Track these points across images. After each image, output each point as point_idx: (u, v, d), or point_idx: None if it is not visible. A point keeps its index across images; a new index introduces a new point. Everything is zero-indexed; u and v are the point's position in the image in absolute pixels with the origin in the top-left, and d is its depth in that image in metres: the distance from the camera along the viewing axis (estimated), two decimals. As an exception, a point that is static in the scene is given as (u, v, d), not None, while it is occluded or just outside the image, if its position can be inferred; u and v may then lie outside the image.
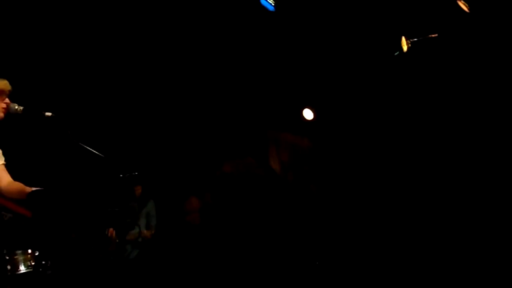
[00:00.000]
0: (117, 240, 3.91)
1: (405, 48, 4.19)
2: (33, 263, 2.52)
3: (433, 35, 4.13)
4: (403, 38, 4.18)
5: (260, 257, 1.83)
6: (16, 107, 2.46)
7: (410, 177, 4.67)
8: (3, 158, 2.56)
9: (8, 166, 2.58)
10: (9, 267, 2.41)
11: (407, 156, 4.74)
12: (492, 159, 4.19)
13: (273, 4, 3.78)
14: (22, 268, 2.50)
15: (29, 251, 2.51)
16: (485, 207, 4.12)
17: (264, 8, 3.82)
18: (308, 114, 5.31)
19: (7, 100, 2.45)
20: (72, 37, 3.89)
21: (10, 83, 2.52)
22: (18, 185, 2.46)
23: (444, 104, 4.47)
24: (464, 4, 3.96)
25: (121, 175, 2.35)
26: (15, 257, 2.47)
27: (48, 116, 2.44)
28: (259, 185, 1.92)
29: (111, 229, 3.79)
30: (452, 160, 4.43)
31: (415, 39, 4.15)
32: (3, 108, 2.43)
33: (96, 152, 2.46)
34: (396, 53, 4.22)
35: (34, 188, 2.32)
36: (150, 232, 4.27)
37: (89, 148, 2.46)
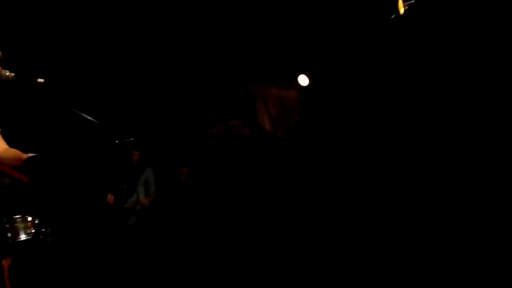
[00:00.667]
0: (114, 206, 3.95)
1: (401, 10, 4.11)
2: (33, 231, 2.54)
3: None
4: (400, 0, 4.09)
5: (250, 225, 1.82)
6: (8, 73, 2.41)
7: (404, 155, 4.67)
8: (-3, 126, 2.54)
9: (2, 133, 2.55)
10: (9, 234, 2.43)
11: (403, 130, 4.72)
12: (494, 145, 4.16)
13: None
14: (23, 236, 2.52)
15: (29, 218, 2.52)
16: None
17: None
18: (303, 80, 5.28)
19: None
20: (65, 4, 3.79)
21: (1, 49, 2.46)
22: (14, 152, 2.45)
23: (443, 72, 4.42)
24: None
25: (116, 141, 2.34)
26: (15, 224, 2.49)
27: (40, 83, 2.40)
28: (245, 146, 1.89)
29: (110, 195, 3.81)
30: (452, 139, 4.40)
31: (412, 1, 4.07)
32: None
33: (91, 118, 2.44)
34: (392, 16, 4.14)
35: (30, 154, 2.31)
36: (148, 200, 4.30)
37: (83, 115, 2.44)
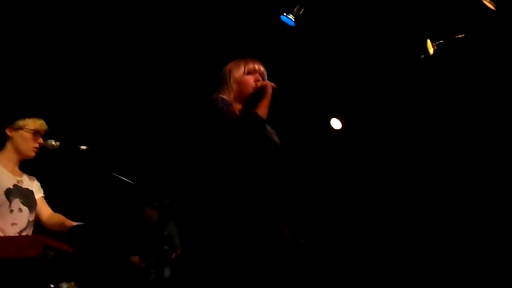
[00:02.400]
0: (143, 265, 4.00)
1: (431, 51, 4.11)
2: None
3: (459, 36, 4.03)
4: (429, 41, 4.10)
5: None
6: (54, 142, 2.58)
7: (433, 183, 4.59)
8: (42, 191, 2.68)
9: (47, 198, 2.69)
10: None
11: (437, 164, 4.65)
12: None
13: (293, 20, 3.80)
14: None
15: (73, 281, 2.60)
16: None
17: (284, 24, 3.84)
18: (336, 123, 5.30)
19: (40, 140, 2.57)
20: (102, 72, 4.03)
21: (45, 120, 2.64)
22: (58, 218, 2.57)
23: (474, 106, 4.36)
24: (490, 2, 3.85)
25: (156, 203, 2.41)
26: (60, 284, 2.57)
27: (83, 150, 2.54)
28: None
29: (134, 257, 3.87)
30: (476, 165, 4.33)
31: (441, 41, 4.06)
32: (36, 147, 2.55)
33: (130, 181, 2.53)
34: (422, 57, 4.14)
35: (74, 223, 2.41)
36: (176, 253, 4.31)
37: (122, 178, 2.54)
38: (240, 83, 1.96)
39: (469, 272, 3.83)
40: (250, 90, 1.95)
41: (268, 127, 1.98)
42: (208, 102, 1.86)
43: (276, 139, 1.98)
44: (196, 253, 1.75)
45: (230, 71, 2.00)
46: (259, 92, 1.91)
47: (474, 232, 4.05)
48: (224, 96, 1.94)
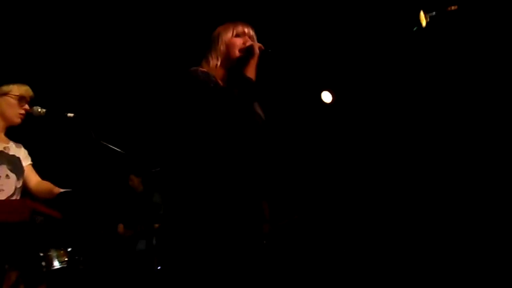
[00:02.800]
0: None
1: (424, 23, 4.08)
2: (66, 259, 2.62)
3: (452, 8, 4.00)
4: (422, 12, 4.06)
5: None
6: (39, 109, 2.53)
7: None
8: (29, 159, 2.65)
9: (34, 166, 2.66)
10: (44, 263, 2.51)
11: (429, 139, 4.66)
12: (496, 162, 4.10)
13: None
14: (56, 264, 2.60)
15: (62, 248, 2.60)
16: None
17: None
18: (327, 97, 5.28)
19: (26, 106, 2.52)
20: (86, 39, 3.93)
21: (32, 87, 2.59)
22: (46, 185, 2.55)
23: (466, 79, 4.35)
24: (483, -26, 3.80)
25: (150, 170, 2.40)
26: (49, 254, 2.57)
27: (70, 117, 2.50)
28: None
29: (120, 226, 3.88)
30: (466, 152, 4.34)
31: (434, 13, 4.02)
32: (22, 114, 2.51)
33: (119, 150, 2.51)
34: (415, 29, 4.11)
35: (62, 190, 2.39)
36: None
37: (111, 146, 2.51)
38: (228, 45, 1.94)
39: (468, 272, 3.87)
40: (237, 52, 1.93)
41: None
42: (188, 73, 1.85)
43: (260, 111, 1.97)
44: (175, 225, 1.76)
45: (219, 34, 1.98)
46: (246, 53, 1.90)
47: (471, 229, 4.08)
48: (209, 64, 1.93)
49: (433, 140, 4.62)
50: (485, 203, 4.06)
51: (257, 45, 1.92)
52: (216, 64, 1.93)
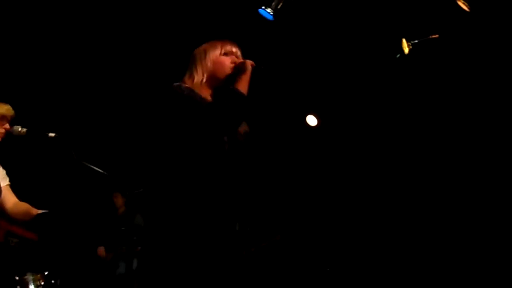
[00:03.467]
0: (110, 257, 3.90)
1: (406, 50, 4.17)
2: (42, 283, 2.53)
3: (434, 36, 4.11)
4: (404, 40, 4.15)
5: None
6: (20, 129, 2.49)
7: (412, 183, 4.66)
8: (7, 179, 2.59)
9: (12, 186, 2.59)
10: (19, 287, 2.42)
11: (410, 161, 4.73)
12: (492, 164, 4.16)
13: (271, 14, 3.78)
14: (32, 288, 2.51)
15: (38, 271, 2.52)
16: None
17: (263, 18, 3.82)
18: (312, 120, 5.32)
19: (7, 125, 2.48)
20: (67, 59, 3.92)
21: (13, 107, 2.55)
22: (24, 206, 2.48)
23: (448, 106, 4.45)
24: (464, 4, 3.93)
25: (128, 192, 2.35)
26: (25, 277, 2.48)
27: (51, 137, 2.46)
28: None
29: (100, 249, 3.78)
30: (452, 163, 4.42)
31: (416, 41, 4.12)
32: (1, 133, 2.46)
33: (100, 170, 2.47)
34: (397, 56, 4.20)
35: (40, 211, 2.33)
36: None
37: (92, 167, 2.47)
38: (216, 63, 1.90)
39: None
40: (226, 70, 1.89)
41: None
42: (171, 89, 1.80)
43: (245, 127, 1.95)
44: (156, 246, 1.72)
45: (205, 51, 1.94)
46: (238, 69, 1.87)
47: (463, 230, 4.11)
48: (194, 80, 1.88)
49: (417, 168, 4.68)
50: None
51: (249, 62, 1.90)
52: (202, 80, 1.88)
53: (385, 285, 4.39)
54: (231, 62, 1.91)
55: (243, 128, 1.94)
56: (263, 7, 3.80)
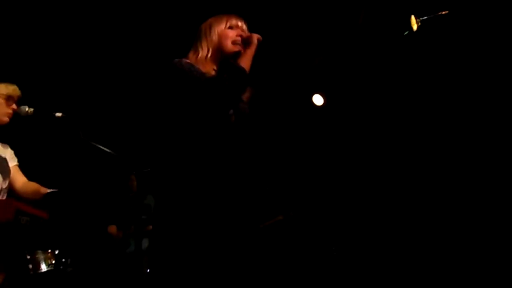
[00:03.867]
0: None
1: (414, 27, 4.10)
2: (53, 262, 2.57)
3: (443, 12, 4.03)
4: (412, 17, 4.08)
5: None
6: (27, 109, 2.49)
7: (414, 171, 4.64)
8: (16, 159, 2.60)
9: (21, 167, 2.61)
10: (30, 266, 2.46)
11: (416, 143, 4.69)
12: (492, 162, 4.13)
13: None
14: (44, 267, 2.55)
15: (49, 250, 2.55)
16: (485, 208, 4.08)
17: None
18: (318, 99, 5.28)
19: (14, 106, 2.48)
20: (78, 38, 3.89)
21: (20, 87, 2.54)
22: (33, 185, 2.50)
23: (456, 84, 4.39)
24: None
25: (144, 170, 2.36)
26: (36, 256, 2.52)
27: (58, 117, 2.46)
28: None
29: (111, 227, 3.81)
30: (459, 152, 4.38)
31: (425, 17, 4.05)
32: (9, 113, 2.47)
33: (108, 150, 2.47)
34: (405, 33, 4.13)
35: (49, 190, 2.34)
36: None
37: (100, 146, 2.48)
38: (221, 36, 1.86)
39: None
40: (231, 44, 1.86)
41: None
42: (172, 65, 1.77)
43: (247, 92, 1.92)
44: (166, 226, 1.70)
45: (210, 25, 1.91)
46: (244, 43, 1.83)
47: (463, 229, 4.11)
48: (198, 55, 1.85)
49: (426, 143, 4.64)
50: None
51: (255, 36, 1.85)
52: (206, 55, 1.85)
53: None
54: (237, 35, 1.87)
55: (247, 95, 1.91)
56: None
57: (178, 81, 1.73)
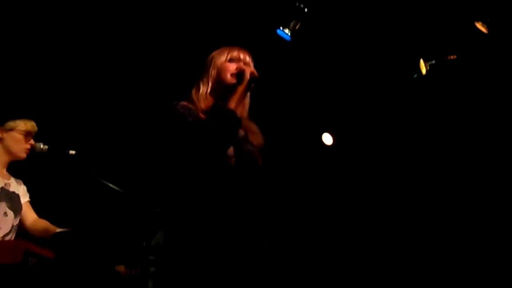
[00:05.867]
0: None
1: (424, 70, 4.16)
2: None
3: (452, 57, 4.09)
4: (421, 61, 4.15)
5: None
6: (42, 146, 2.54)
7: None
8: (27, 195, 2.63)
9: (32, 203, 2.64)
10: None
11: (424, 181, 4.69)
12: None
13: (289, 34, 3.82)
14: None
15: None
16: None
17: (280, 38, 3.86)
18: (327, 139, 5.31)
19: (31, 141, 2.54)
20: (88, 79, 4.00)
21: (36, 123, 2.61)
22: (43, 223, 2.52)
23: (466, 127, 4.41)
24: (482, 25, 3.92)
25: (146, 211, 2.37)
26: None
27: (72, 154, 2.51)
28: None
29: (119, 266, 3.78)
30: (466, 187, 4.38)
31: (433, 61, 4.11)
32: (27, 148, 2.52)
33: (118, 189, 2.50)
34: (415, 76, 4.19)
35: (58, 229, 2.36)
36: None
37: (110, 185, 2.50)
38: (220, 70, 1.78)
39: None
40: (229, 78, 1.76)
41: (251, 125, 1.83)
42: (169, 107, 1.72)
43: (259, 138, 1.84)
44: (172, 265, 1.66)
45: (212, 58, 1.83)
46: (236, 79, 1.73)
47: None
48: (199, 91, 1.79)
49: (434, 183, 4.63)
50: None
51: (249, 71, 1.74)
52: (206, 91, 1.78)
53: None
54: (236, 68, 1.78)
55: (258, 141, 1.84)
56: (281, 28, 3.85)
57: (172, 126, 1.69)
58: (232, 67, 1.78)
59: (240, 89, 1.71)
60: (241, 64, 1.79)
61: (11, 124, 2.54)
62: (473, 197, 4.36)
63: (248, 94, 1.81)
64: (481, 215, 4.26)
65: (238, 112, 1.70)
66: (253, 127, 1.86)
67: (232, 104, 1.68)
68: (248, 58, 1.82)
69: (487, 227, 4.15)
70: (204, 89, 1.78)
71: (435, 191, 4.63)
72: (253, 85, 1.77)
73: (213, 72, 1.79)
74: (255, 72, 1.76)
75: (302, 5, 3.83)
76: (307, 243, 5.18)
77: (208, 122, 1.65)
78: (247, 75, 1.72)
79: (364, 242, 5.00)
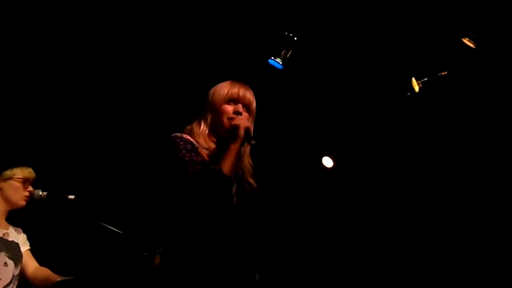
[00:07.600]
0: None
1: (416, 88, 4.19)
2: None
3: (442, 73, 4.14)
4: (413, 79, 4.19)
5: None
6: (40, 193, 2.54)
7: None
8: (28, 243, 2.61)
9: (33, 251, 2.62)
10: None
11: (426, 202, 4.68)
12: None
13: (281, 63, 3.86)
14: None
15: None
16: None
17: (272, 67, 3.90)
18: (328, 162, 5.30)
19: (30, 188, 2.54)
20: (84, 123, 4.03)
21: (34, 170, 2.62)
22: (44, 272, 2.49)
23: (461, 142, 4.43)
24: (469, 41, 3.98)
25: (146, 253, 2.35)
26: None
27: (71, 199, 2.50)
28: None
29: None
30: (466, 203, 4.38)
31: (425, 79, 4.15)
32: (26, 196, 2.52)
33: (119, 231, 2.48)
34: (408, 94, 4.22)
35: (59, 278, 2.33)
36: None
37: (111, 227, 2.49)
38: (217, 113, 1.78)
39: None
40: (225, 124, 1.75)
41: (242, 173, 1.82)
42: (171, 143, 1.69)
43: (251, 184, 1.82)
44: None
45: (212, 95, 1.83)
46: (230, 133, 1.70)
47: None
48: (200, 127, 1.79)
49: (434, 207, 4.61)
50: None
51: (243, 126, 1.69)
52: (206, 130, 1.78)
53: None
54: (233, 112, 1.77)
55: (251, 185, 1.82)
56: (272, 57, 3.90)
57: (172, 171, 1.67)
58: (230, 109, 1.77)
59: (234, 147, 1.66)
60: (239, 106, 1.78)
61: (8, 173, 2.54)
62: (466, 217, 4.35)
63: (246, 145, 1.79)
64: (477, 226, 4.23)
65: (233, 168, 1.66)
66: (250, 169, 1.85)
67: (227, 163, 1.64)
68: (248, 95, 1.80)
69: (486, 231, 4.12)
70: (205, 128, 1.78)
71: (435, 216, 4.62)
72: (252, 142, 1.75)
73: (211, 113, 1.79)
74: (251, 127, 1.75)
75: (291, 34, 3.89)
76: (310, 268, 5.12)
77: (209, 170, 1.62)
78: (241, 132, 1.67)
79: (364, 265, 4.94)
